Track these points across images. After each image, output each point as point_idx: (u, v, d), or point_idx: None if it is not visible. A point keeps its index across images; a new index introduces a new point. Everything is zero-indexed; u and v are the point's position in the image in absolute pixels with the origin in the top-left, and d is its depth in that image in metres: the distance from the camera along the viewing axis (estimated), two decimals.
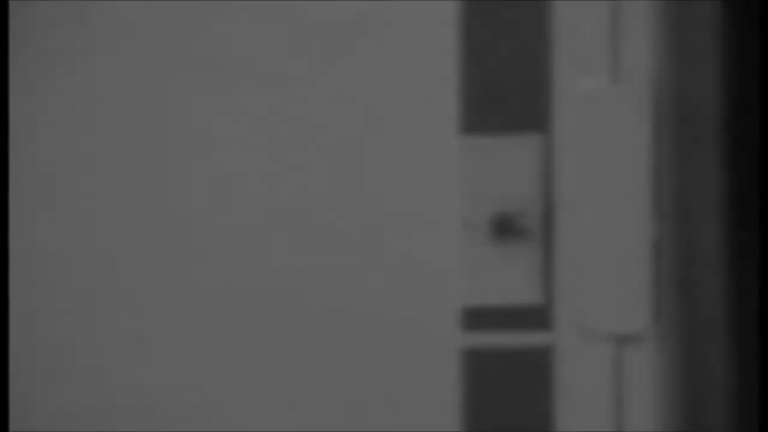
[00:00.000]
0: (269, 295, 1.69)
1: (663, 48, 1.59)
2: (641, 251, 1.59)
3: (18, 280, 1.76)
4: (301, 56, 1.68)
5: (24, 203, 1.77)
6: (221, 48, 1.71)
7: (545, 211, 1.62)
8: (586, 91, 1.59)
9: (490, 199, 1.64)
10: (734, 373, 1.60)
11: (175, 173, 1.73)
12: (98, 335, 1.75)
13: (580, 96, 1.60)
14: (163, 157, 1.74)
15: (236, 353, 1.70)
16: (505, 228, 1.63)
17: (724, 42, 1.57)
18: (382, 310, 1.66)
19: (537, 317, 1.63)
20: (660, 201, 1.59)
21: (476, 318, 1.63)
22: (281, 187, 1.70)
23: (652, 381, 1.59)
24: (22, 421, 1.72)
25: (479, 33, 1.62)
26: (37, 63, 1.76)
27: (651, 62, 1.58)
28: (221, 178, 1.72)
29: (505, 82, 1.63)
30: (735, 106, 1.57)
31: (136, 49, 1.74)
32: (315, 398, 1.68)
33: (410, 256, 1.65)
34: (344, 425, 1.67)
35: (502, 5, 1.62)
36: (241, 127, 1.71)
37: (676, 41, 1.59)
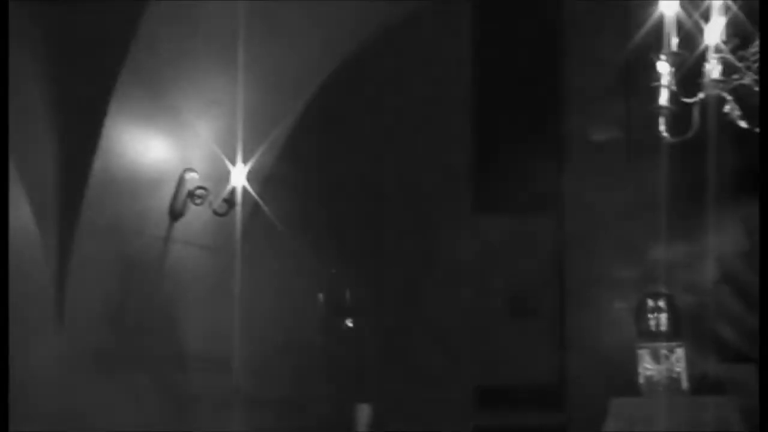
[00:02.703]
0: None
1: None
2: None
3: None
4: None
5: None
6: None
7: (559, 292, 1.64)
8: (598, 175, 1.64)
9: (506, 279, 1.66)
10: None
11: None
12: None
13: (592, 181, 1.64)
14: None
15: None
16: (519, 308, 1.65)
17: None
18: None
19: (550, 396, 1.63)
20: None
21: (490, 397, 1.63)
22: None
23: None
24: None
25: (492, 116, 1.68)
26: None
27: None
28: None
29: (519, 166, 1.68)
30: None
31: None
32: None
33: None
34: None
35: (515, 95, 1.70)
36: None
37: None
